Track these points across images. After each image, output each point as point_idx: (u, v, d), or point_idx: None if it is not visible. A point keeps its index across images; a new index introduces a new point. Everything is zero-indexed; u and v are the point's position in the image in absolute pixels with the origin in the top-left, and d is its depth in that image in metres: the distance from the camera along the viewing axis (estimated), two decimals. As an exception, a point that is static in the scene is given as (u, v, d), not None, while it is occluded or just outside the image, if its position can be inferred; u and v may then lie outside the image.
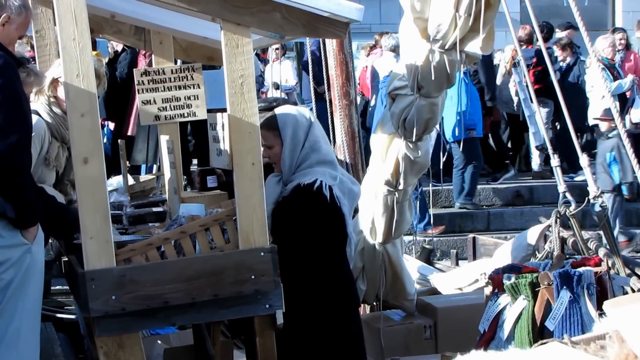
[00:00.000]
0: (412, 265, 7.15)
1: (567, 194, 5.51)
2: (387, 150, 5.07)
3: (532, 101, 9.58)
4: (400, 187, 5.12)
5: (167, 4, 3.63)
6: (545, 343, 2.52)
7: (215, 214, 3.89)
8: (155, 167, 9.33)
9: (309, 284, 4.02)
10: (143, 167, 9.97)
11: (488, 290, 4.27)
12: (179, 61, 5.89)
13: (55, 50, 5.13)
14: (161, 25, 5.20)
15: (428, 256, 8.67)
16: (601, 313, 3.32)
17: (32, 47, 6.52)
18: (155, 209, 4.89)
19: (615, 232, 9.08)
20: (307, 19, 3.69)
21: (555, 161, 5.95)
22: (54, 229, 3.96)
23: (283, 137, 4.05)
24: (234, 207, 3.70)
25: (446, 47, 4.41)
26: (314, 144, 4.05)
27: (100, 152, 3.42)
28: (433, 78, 4.51)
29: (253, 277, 3.63)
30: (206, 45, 5.48)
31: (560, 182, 5.67)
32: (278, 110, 4.16)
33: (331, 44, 6.71)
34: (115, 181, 5.48)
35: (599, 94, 10.24)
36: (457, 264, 8.54)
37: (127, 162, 5.91)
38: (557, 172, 5.83)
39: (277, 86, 11.62)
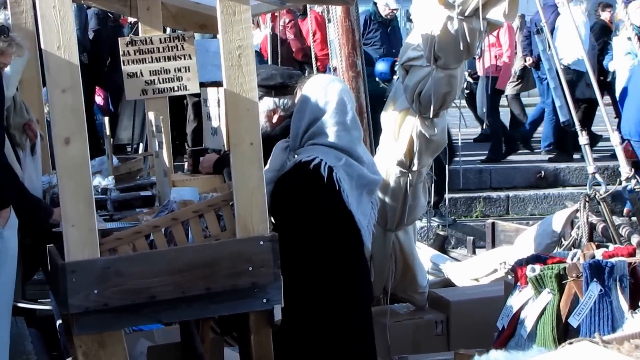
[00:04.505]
0: (424, 254, 7.14)
1: (597, 175, 5.49)
2: (400, 128, 5.04)
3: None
4: (414, 168, 5.10)
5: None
6: (573, 342, 2.50)
7: (210, 198, 3.85)
8: (141, 146, 9.30)
9: (305, 274, 4.00)
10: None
11: (508, 281, 4.26)
12: (168, 29, 5.86)
13: (32, 18, 5.10)
14: (149, -10, 5.18)
15: (442, 243, 8.66)
16: (634, 309, 3.30)
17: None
18: (143, 193, 4.87)
19: None
20: (313, -17, 3.65)
21: (583, 139, 5.91)
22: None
23: (297, 102, 4.14)
24: (230, 191, 3.68)
25: (466, 13, 4.36)
26: (323, 124, 4.04)
27: (84, 132, 3.38)
28: (461, 47, 4.47)
29: (251, 268, 3.59)
30: (198, 11, 5.45)
31: (590, 162, 5.64)
32: (312, 77, 4.25)
33: (335, 11, 6.65)
34: (98, 162, 5.47)
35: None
36: (474, 252, 8.53)
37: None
38: (586, 150, 5.80)
39: None
